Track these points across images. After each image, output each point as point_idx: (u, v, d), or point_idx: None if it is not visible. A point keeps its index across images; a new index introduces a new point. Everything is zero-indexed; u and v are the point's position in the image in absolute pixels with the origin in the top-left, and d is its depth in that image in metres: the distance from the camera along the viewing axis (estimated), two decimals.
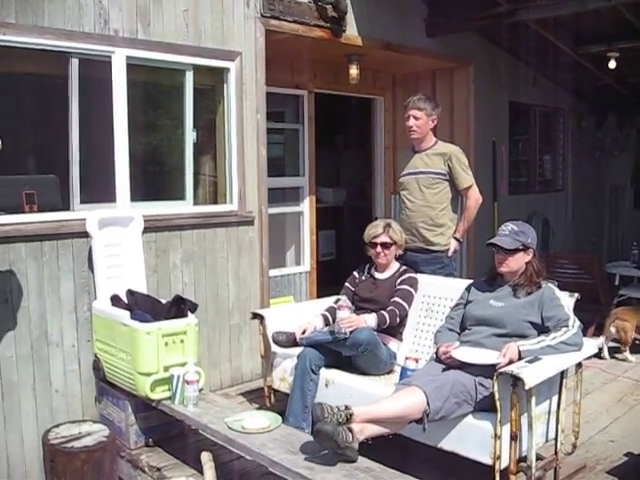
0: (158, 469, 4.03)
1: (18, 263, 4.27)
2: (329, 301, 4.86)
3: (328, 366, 4.27)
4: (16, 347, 4.27)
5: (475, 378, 3.49)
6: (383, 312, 4.38)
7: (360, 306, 4.56)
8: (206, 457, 3.46)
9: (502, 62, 8.25)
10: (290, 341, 4.46)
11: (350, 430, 3.16)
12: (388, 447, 3.43)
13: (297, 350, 4.39)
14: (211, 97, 5.53)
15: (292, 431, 3.64)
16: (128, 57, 4.73)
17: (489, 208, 7.76)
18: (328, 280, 7.03)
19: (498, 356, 3.45)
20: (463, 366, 3.56)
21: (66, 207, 4.60)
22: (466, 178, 5.05)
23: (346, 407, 3.26)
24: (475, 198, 5.10)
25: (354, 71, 6.85)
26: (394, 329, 4.50)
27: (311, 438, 3.37)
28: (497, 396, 3.26)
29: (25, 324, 4.31)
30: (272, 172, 5.78)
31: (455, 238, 5.11)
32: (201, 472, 3.70)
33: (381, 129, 8.10)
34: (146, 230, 4.72)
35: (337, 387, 4.14)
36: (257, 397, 5.02)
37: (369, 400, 3.56)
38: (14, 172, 4.54)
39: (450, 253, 5.10)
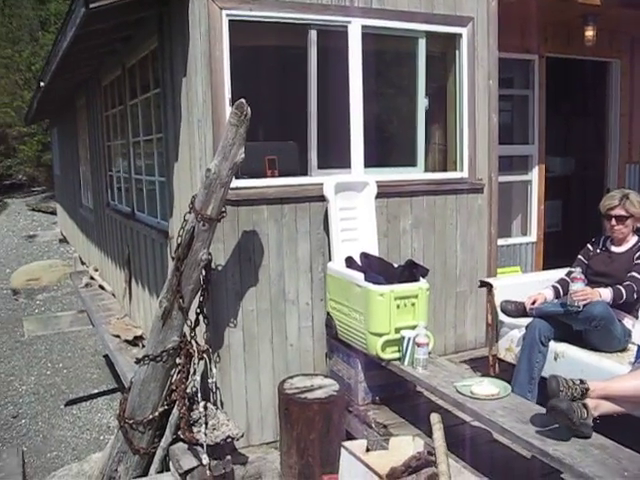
0: (384, 426, 4.18)
1: (261, 224, 4.58)
2: (559, 273, 4.71)
3: (557, 339, 4.17)
4: (257, 302, 4.62)
5: None
6: (619, 286, 4.16)
7: (593, 280, 4.36)
8: (436, 418, 3.51)
9: None
10: (519, 311, 4.41)
11: (585, 406, 3.08)
12: (614, 426, 3.26)
13: (525, 320, 4.33)
14: (442, 64, 5.51)
15: (522, 400, 3.62)
16: (363, 26, 4.84)
17: None
18: (553, 252, 6.81)
19: None
20: None
21: (304, 172, 4.85)
22: None
23: (581, 381, 3.18)
24: None
25: (590, 32, 6.47)
26: (630, 305, 4.26)
27: (542, 409, 3.33)
28: None
29: (265, 281, 4.64)
30: (500, 140, 5.65)
31: None
32: (425, 433, 3.79)
33: (616, 94, 7.58)
34: (378, 196, 4.85)
35: (567, 361, 4.04)
36: (480, 365, 5.01)
37: (601, 377, 3.45)
38: (257, 139, 4.83)
39: None
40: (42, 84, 8.40)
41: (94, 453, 6.15)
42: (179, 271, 4.01)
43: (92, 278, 9.13)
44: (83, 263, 11.08)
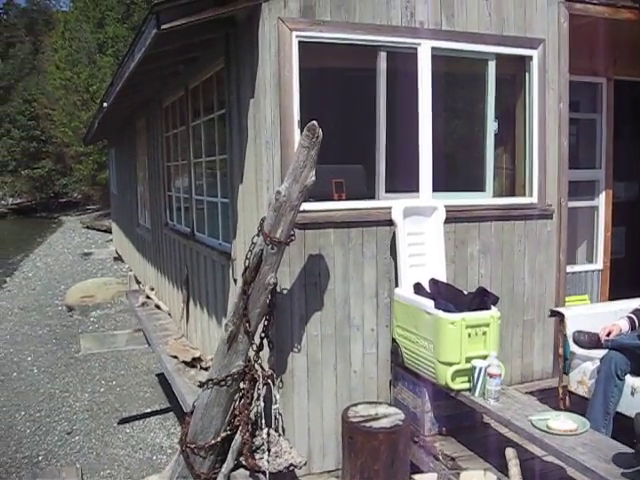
0: (452, 459, 4.05)
1: (327, 248, 4.52)
2: (632, 303, 4.55)
3: (634, 373, 4.01)
4: (321, 327, 4.54)
5: None
6: None
7: None
8: (511, 453, 3.40)
9: None
10: (592, 343, 4.28)
11: None
12: None
13: (598, 352, 4.19)
14: (511, 86, 5.39)
15: (603, 438, 3.47)
16: (433, 48, 4.77)
17: None
18: (617, 280, 6.61)
19: None
20: None
21: (371, 196, 4.77)
22: None
23: None
24: None
25: None
26: None
27: (624, 447, 3.18)
28: None
29: (330, 306, 4.56)
30: None
31: None
32: (495, 466, 3.68)
33: None
34: (446, 220, 4.75)
35: None
36: (547, 397, 4.82)
37: None
38: (324, 161, 4.78)
39: None
40: (105, 105, 8.51)
41: (149, 475, 6.11)
42: (246, 294, 3.96)
43: (148, 297, 9.17)
44: (138, 282, 11.17)
